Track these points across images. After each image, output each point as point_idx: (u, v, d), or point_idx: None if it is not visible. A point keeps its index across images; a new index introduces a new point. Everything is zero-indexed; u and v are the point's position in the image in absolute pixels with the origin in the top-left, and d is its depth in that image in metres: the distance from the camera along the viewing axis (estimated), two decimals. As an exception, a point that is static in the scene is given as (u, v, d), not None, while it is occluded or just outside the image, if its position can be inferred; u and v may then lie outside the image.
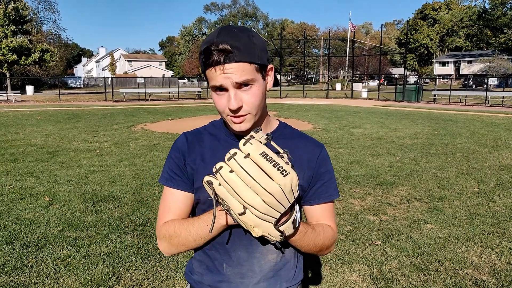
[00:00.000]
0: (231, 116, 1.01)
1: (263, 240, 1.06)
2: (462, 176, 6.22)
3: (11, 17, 35.45)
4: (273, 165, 0.83)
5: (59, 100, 26.89)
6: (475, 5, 40.59)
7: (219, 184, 0.87)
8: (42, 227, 4.08)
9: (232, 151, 0.84)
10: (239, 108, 0.99)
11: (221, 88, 0.98)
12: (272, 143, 0.91)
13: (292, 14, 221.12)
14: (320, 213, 1.15)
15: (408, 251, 3.57)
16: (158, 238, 1.13)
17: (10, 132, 11.31)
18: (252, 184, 0.82)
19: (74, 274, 3.11)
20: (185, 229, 1.05)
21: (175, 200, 1.13)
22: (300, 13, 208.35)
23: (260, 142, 0.87)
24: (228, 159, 0.84)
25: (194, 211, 1.17)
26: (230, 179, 0.83)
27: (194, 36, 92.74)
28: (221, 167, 0.85)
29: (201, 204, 1.12)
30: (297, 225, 0.95)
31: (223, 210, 0.93)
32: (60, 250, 3.52)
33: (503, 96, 23.47)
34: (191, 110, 19.80)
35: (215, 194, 0.88)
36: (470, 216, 4.47)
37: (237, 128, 1.03)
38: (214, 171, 0.86)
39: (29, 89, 36.27)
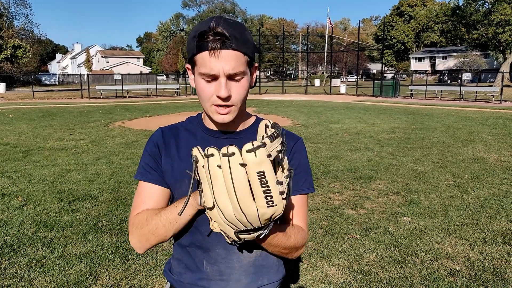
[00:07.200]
0: (216, 105, 0.99)
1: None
2: (438, 169, 6.36)
3: (-20, 12, 34.26)
4: (264, 191, 0.75)
5: (32, 98, 26.13)
6: (449, 1, 41.49)
7: (203, 166, 0.79)
8: (16, 228, 3.96)
9: (231, 149, 0.75)
10: (228, 97, 0.97)
11: (211, 75, 0.96)
12: (284, 159, 0.81)
13: (271, 10, 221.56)
14: (289, 209, 1.09)
15: (385, 243, 3.63)
16: (129, 232, 1.08)
17: (-19, 131, 10.94)
18: (231, 194, 0.76)
19: (50, 275, 3.04)
20: (156, 214, 1.02)
21: (151, 194, 1.09)
22: (278, 9, 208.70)
23: (270, 155, 0.75)
24: (223, 155, 0.75)
25: None
26: (214, 173, 0.77)
27: (172, 32, 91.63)
28: (212, 154, 0.77)
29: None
30: (261, 237, 0.88)
31: (197, 191, 0.86)
32: (34, 251, 3.43)
33: (476, 91, 24.14)
34: (169, 106, 19.58)
35: (197, 172, 0.81)
36: (445, 208, 4.58)
37: (220, 119, 1.00)
38: (204, 153, 0.78)
39: (1, 86, 35.12)
